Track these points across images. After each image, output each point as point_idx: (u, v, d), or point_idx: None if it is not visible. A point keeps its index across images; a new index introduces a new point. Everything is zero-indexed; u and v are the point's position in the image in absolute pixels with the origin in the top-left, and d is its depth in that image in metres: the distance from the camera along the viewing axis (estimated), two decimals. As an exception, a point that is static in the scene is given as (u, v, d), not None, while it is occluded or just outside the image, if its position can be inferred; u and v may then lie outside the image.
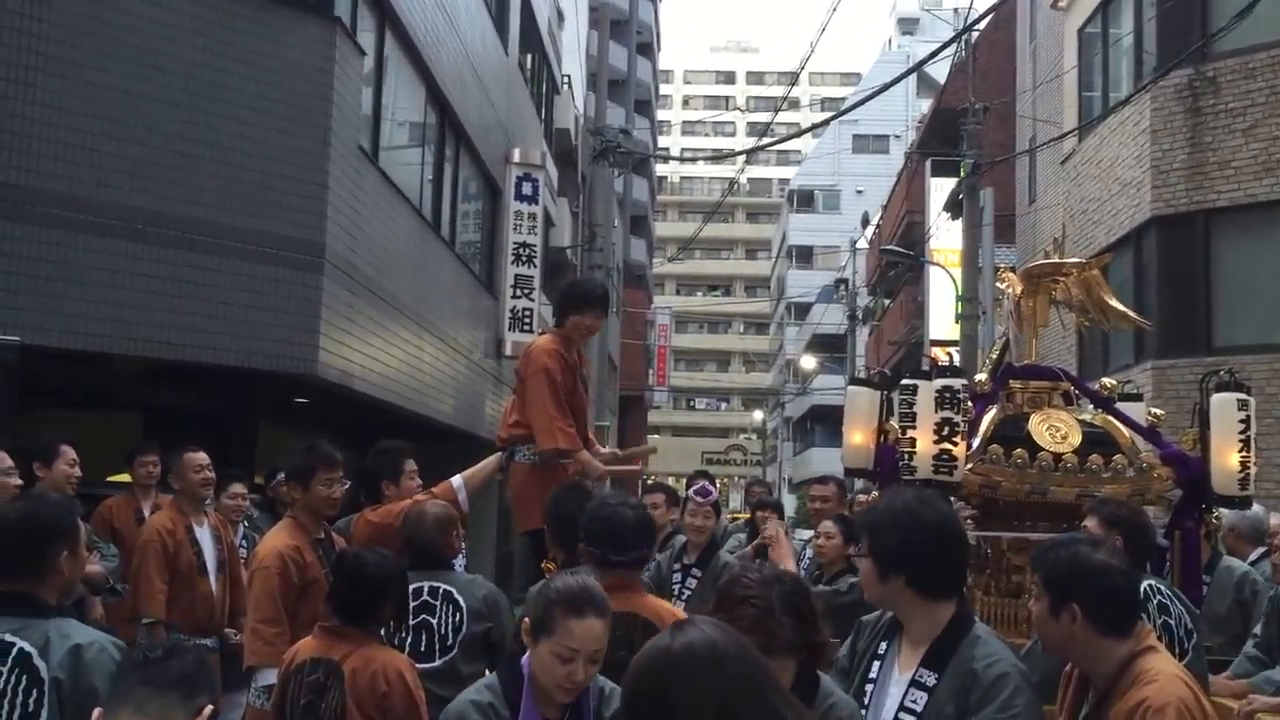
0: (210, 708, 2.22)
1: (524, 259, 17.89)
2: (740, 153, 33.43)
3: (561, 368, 5.35)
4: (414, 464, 5.40)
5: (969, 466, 4.82)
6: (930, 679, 2.92)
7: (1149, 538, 4.21)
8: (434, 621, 4.38)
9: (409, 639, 4.35)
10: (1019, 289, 5.46)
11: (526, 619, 2.97)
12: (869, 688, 3.06)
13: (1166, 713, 2.72)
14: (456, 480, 5.43)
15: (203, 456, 6.43)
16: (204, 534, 6.33)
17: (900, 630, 3.08)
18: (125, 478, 7.12)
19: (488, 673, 3.65)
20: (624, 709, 2.07)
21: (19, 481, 5.81)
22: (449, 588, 4.45)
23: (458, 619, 4.38)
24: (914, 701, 2.92)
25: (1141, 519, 4.39)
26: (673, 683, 1.94)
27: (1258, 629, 4.92)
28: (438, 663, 4.30)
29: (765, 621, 2.68)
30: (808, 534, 8.26)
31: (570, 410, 5.51)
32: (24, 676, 2.85)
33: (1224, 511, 5.47)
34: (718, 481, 10.24)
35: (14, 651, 2.88)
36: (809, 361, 47.64)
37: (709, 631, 2.03)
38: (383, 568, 3.93)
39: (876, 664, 3.08)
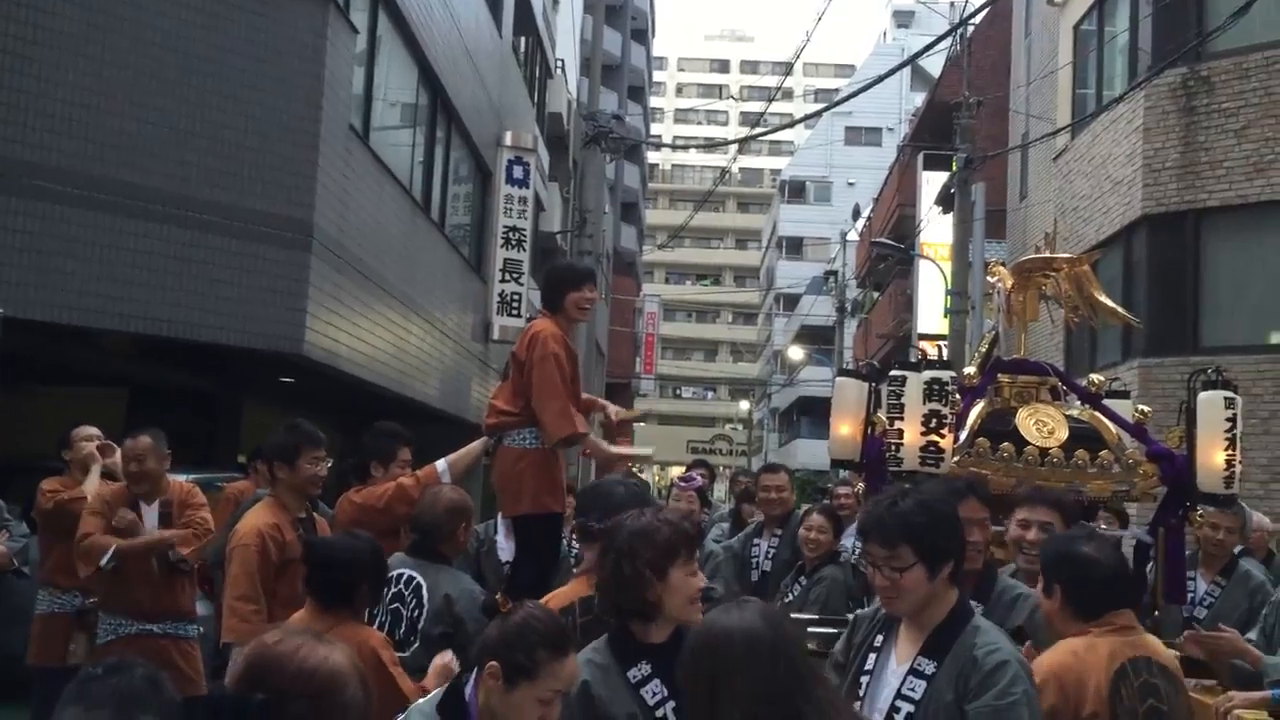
0: None
1: (514, 243, 17.85)
2: (733, 142, 33.41)
3: (567, 355, 5.30)
4: (409, 453, 5.35)
5: (955, 459, 4.82)
6: (929, 667, 2.93)
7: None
8: (404, 612, 4.36)
9: (387, 621, 4.33)
10: (1009, 283, 5.46)
11: (496, 664, 2.75)
12: (864, 679, 3.06)
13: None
14: (441, 464, 5.39)
15: (143, 442, 5.72)
16: (149, 512, 5.81)
17: (897, 623, 3.09)
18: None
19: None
20: (683, 679, 2.33)
21: None
22: (421, 580, 4.37)
23: (416, 615, 4.34)
24: (911, 689, 2.93)
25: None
26: (721, 663, 2.15)
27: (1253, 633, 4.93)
28: (407, 654, 4.27)
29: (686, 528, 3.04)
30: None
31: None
32: None
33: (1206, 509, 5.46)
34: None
35: None
36: (797, 352, 47.67)
37: (752, 616, 2.22)
38: (353, 550, 3.89)
39: (872, 656, 3.08)
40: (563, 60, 27.36)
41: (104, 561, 5.57)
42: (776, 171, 73.81)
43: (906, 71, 36.65)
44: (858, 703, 3.02)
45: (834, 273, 41.68)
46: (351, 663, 2.06)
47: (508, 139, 18.06)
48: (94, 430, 6.35)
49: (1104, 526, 5.42)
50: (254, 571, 4.73)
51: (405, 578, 4.39)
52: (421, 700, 3.06)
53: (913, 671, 2.95)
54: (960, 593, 3.07)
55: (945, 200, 21.81)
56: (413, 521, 4.61)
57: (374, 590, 4.02)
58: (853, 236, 41.43)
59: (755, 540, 7.19)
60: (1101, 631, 3.30)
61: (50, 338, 8.96)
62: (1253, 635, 5.09)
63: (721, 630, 2.20)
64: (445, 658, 3.93)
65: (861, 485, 5.57)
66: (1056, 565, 3.43)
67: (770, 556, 7.00)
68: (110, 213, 8.60)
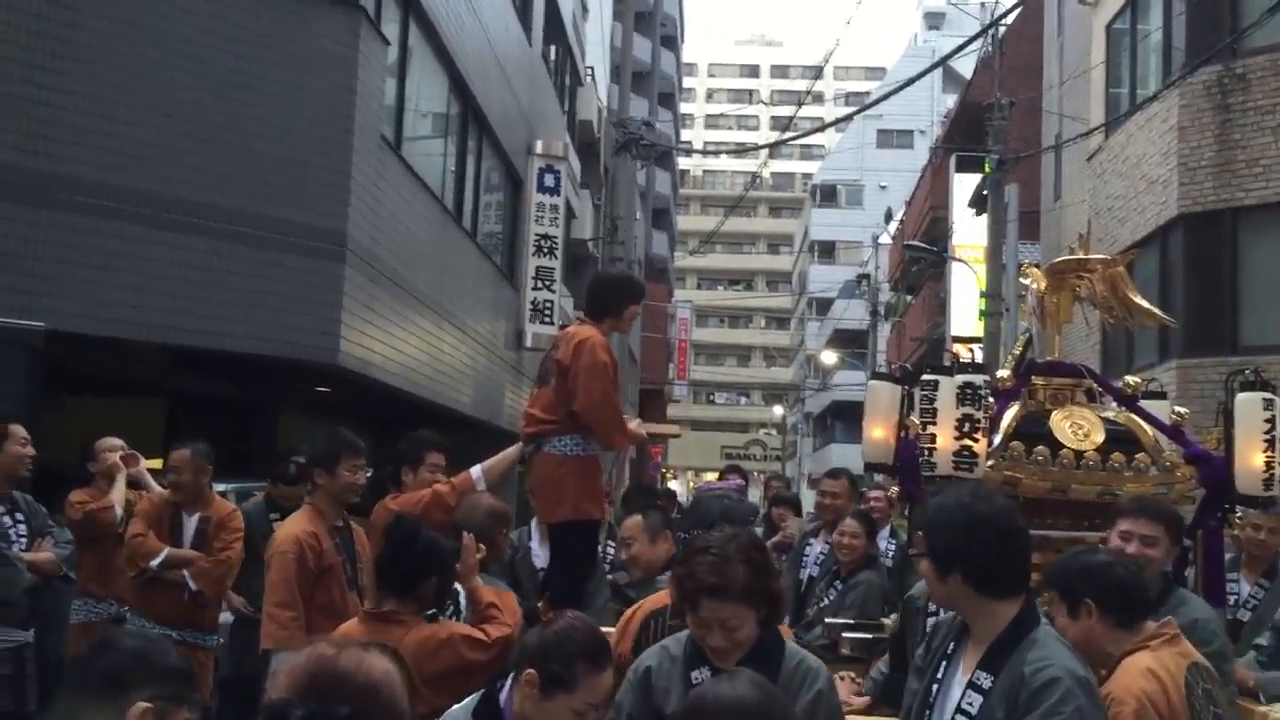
0: (144, 705, 2.05)
1: (545, 251, 17.90)
2: (763, 146, 33.33)
3: (614, 364, 5.29)
4: (441, 458, 5.37)
5: (989, 463, 4.78)
6: (986, 681, 2.85)
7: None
8: (441, 618, 4.36)
9: None
10: (1043, 285, 5.42)
11: (533, 671, 2.81)
12: (935, 688, 3.00)
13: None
14: (476, 470, 5.39)
15: (179, 454, 5.99)
16: (189, 524, 6.02)
17: (968, 631, 3.01)
18: (157, 464, 7.04)
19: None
20: None
21: (33, 452, 5.86)
22: (458, 586, 4.36)
23: (456, 620, 4.35)
24: (969, 704, 2.85)
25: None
26: None
27: None
28: None
29: (721, 566, 2.93)
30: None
31: None
32: None
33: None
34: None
35: None
36: (830, 357, 47.50)
37: (743, 686, 2.30)
38: (433, 541, 3.91)
39: (944, 664, 3.01)
40: (592, 68, 27.43)
41: (155, 563, 5.72)
42: (808, 176, 73.63)
43: (938, 73, 36.47)
44: (928, 711, 2.98)
45: (867, 276, 41.53)
46: (400, 674, 2.09)
47: (538, 147, 18.12)
48: (118, 441, 6.50)
49: None
50: (292, 578, 4.77)
51: None
52: (456, 706, 3.07)
53: (971, 685, 2.87)
54: (1028, 603, 2.95)
55: (978, 202, 21.70)
56: (453, 528, 4.61)
57: (439, 593, 4.00)
58: (885, 240, 41.24)
59: (810, 540, 7.23)
60: (1159, 644, 3.25)
61: (88, 349, 9.06)
62: (1263, 641, 5.05)
63: (713, 698, 2.31)
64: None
65: (895, 489, 5.54)
66: (1077, 582, 3.36)
67: (819, 562, 7.00)
68: (144, 225, 8.69)
